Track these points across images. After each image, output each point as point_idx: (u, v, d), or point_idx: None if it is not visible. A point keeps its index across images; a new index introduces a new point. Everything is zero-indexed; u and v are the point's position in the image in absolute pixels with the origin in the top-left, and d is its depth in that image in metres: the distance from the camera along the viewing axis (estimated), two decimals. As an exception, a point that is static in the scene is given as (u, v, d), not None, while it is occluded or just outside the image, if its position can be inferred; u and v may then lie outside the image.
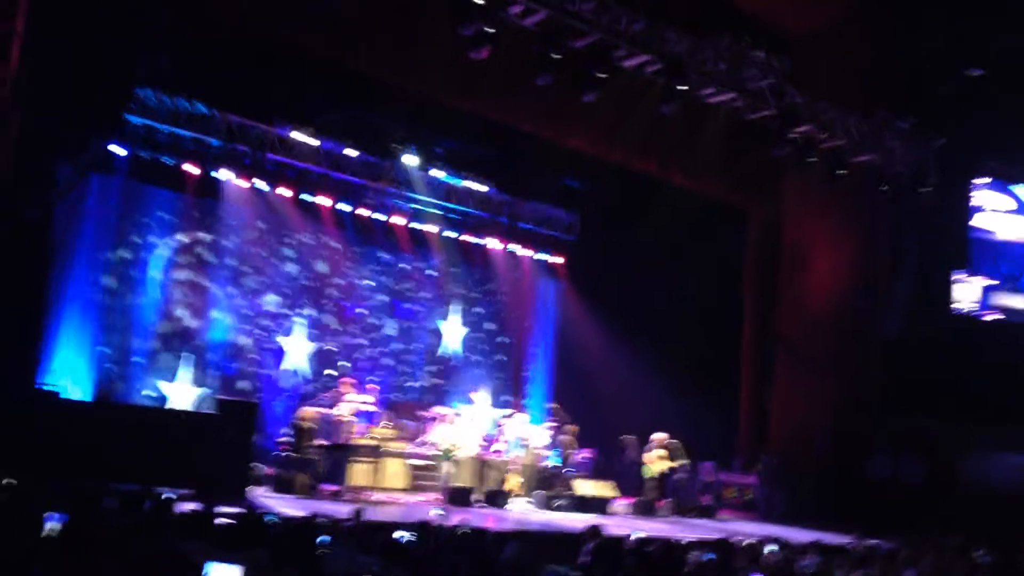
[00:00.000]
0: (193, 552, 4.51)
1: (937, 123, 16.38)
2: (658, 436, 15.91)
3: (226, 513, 7.81)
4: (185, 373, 15.65)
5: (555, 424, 16.47)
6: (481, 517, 12.58)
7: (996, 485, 16.41)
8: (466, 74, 13.56)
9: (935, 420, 17.07)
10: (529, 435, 15.92)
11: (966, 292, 18.91)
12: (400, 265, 18.80)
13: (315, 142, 16.41)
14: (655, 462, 15.83)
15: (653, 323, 18.37)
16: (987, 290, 18.97)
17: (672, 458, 15.85)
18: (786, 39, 16.20)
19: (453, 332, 19.32)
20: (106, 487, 8.69)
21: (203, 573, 4.36)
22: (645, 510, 15.38)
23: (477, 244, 19.20)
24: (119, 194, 15.34)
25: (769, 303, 18.79)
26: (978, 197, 19.10)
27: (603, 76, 12.96)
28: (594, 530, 8.63)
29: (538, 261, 19.96)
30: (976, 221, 19.02)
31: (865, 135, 15.66)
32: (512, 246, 19.55)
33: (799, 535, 11.29)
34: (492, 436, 16.30)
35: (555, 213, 19.72)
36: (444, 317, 19.26)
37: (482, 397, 18.16)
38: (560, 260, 20.07)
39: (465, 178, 18.12)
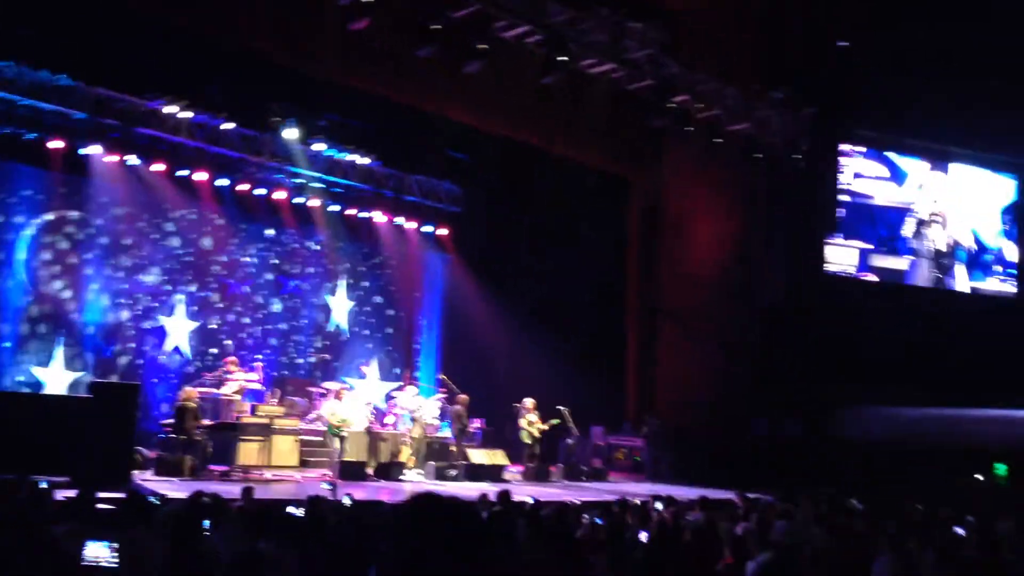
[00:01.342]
0: (67, 535, 4.36)
1: (811, 92, 16.96)
2: (527, 401, 16.08)
3: (108, 499, 7.57)
4: (59, 357, 15.02)
5: (445, 395, 16.51)
6: (375, 490, 12.55)
7: (870, 438, 17.29)
8: (347, 47, 13.34)
9: (812, 380, 17.83)
10: (420, 407, 15.91)
11: (843, 256, 19.76)
12: (284, 240, 18.43)
13: (189, 115, 15.84)
14: (528, 426, 15.99)
15: (540, 292, 18.58)
16: (864, 253, 19.87)
17: (544, 420, 16.04)
18: (664, 11, 16.48)
19: (340, 307, 19.10)
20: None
21: (82, 554, 4.22)
22: (538, 476, 15.61)
23: (362, 218, 18.96)
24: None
25: (652, 271, 19.23)
26: (855, 164, 19.94)
27: (484, 47, 12.93)
28: (503, 495, 8.73)
29: (424, 234, 19.87)
30: (855, 187, 19.86)
31: (740, 105, 16.11)
32: (398, 219, 19.39)
33: (685, 492, 11.66)
34: (383, 410, 16.23)
35: (440, 185, 19.63)
36: (331, 292, 19.01)
37: (372, 371, 18.05)
38: (446, 232, 20.02)
39: (348, 151, 17.83)
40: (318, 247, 18.84)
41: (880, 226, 20.18)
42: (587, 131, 16.71)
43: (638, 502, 9.48)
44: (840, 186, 19.78)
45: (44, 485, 7.73)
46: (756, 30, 17.63)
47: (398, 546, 2.16)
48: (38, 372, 14.84)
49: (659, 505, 9.32)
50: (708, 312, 18.35)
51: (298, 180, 17.74)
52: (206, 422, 13.67)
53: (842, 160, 19.87)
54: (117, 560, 4.31)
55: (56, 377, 14.91)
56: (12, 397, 13.46)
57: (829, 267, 19.60)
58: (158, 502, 7.22)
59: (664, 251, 19.14)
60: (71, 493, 7.63)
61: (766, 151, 16.58)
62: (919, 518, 8.85)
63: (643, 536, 7.11)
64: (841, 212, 19.75)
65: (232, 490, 10.25)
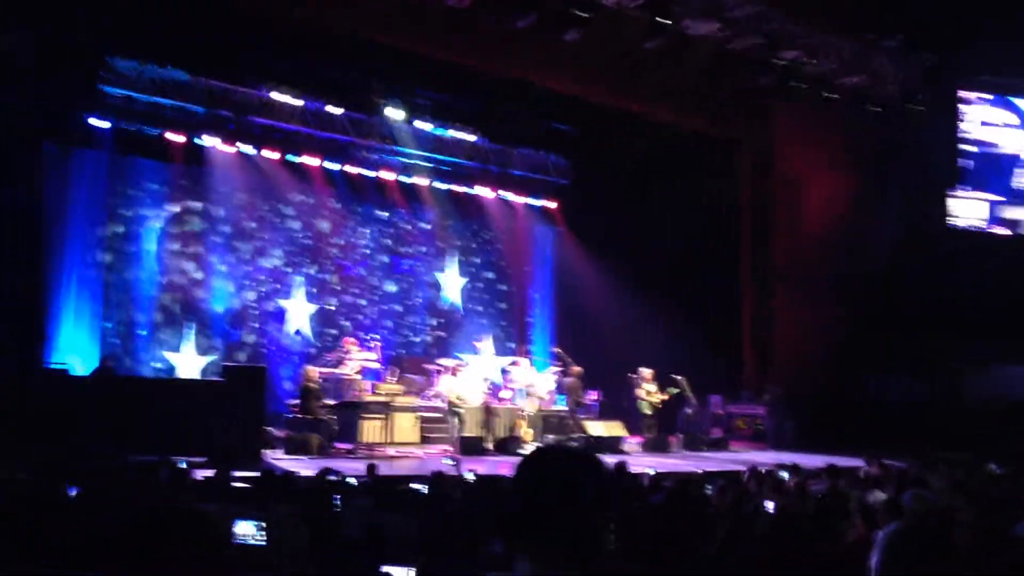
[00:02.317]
0: (215, 511, 4.54)
1: (928, 40, 16.19)
2: (644, 371, 15.94)
3: (242, 477, 7.87)
4: (190, 342, 15.68)
5: (560, 368, 16.54)
6: (494, 465, 12.68)
7: (1002, 398, 16.54)
8: (446, 23, 13.37)
9: (939, 338, 17.13)
10: (535, 381, 15.99)
11: (971, 208, 18.85)
12: (395, 221, 18.73)
13: (298, 102, 16.23)
14: (646, 397, 15.87)
15: (651, 261, 18.35)
16: (994, 205, 18.91)
17: (662, 390, 15.88)
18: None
19: (452, 283, 19.32)
20: (121, 459, 8.75)
21: (232, 531, 4.40)
22: (657, 447, 15.51)
23: (469, 194, 19.10)
24: (106, 168, 15.22)
25: (765, 233, 18.75)
26: (980, 112, 18.96)
27: (584, 15, 12.77)
28: (620, 467, 8.73)
29: (532, 207, 19.88)
30: (981, 135, 18.88)
31: (853, 57, 15.50)
32: (504, 194, 19.45)
33: (811, 460, 11.39)
34: (498, 384, 16.37)
35: (546, 158, 19.58)
36: (442, 269, 19.24)
37: (487, 346, 18.21)
38: (554, 205, 19.99)
39: (452, 128, 17.96)
40: (428, 226, 19.07)
41: (1008, 176, 19.14)
42: (692, 94, 16.35)
43: (763, 470, 9.31)
44: (964, 135, 18.83)
45: (183, 465, 8.09)
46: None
47: (521, 500, 2.03)
48: (171, 357, 15.53)
49: (784, 474, 9.13)
50: (825, 272, 17.82)
51: (405, 160, 17.97)
52: (329, 401, 14.06)
53: (965, 108, 18.91)
54: (265, 538, 4.47)
55: (188, 361, 15.57)
56: (149, 382, 14.13)
57: (955, 221, 18.73)
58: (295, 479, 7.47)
59: (777, 212, 18.63)
60: (208, 473, 7.96)
61: (882, 103, 15.93)
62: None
63: (769, 506, 6.98)
64: (968, 163, 18.81)
65: (358, 467, 10.54)
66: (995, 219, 18.89)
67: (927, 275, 17.74)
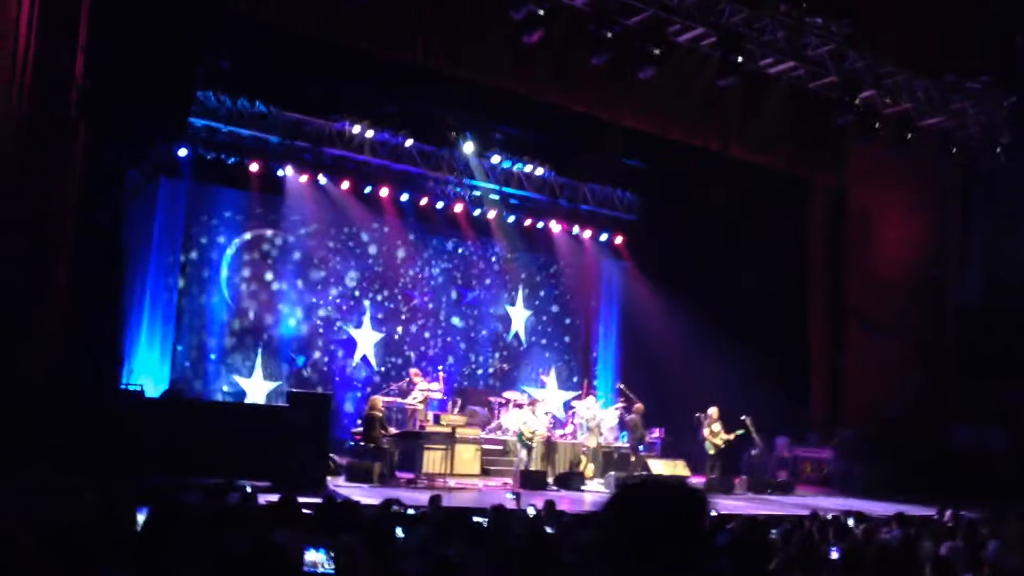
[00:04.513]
0: (286, 542, 4.60)
1: (1011, 81, 15.84)
2: (712, 410, 15.72)
3: (307, 504, 7.95)
4: (259, 368, 15.96)
5: (623, 404, 16.41)
6: (556, 500, 12.60)
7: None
8: (520, 58, 13.50)
9: (1015, 385, 16.57)
10: (598, 416, 15.89)
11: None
12: (463, 252, 18.89)
13: (372, 134, 16.55)
14: (712, 436, 15.64)
15: (719, 298, 18.13)
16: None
17: (728, 431, 15.63)
18: (848, 3, 15.78)
19: (518, 316, 19.37)
20: (190, 482, 8.91)
21: (303, 559, 4.45)
22: (721, 487, 15.26)
23: (538, 227, 19.18)
24: (185, 196, 15.69)
25: (837, 274, 18.40)
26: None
27: (658, 52, 12.80)
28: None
29: (600, 242, 19.87)
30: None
31: (933, 98, 15.24)
32: (574, 228, 19.49)
33: (880, 508, 11.10)
34: (562, 419, 16.30)
35: (615, 193, 19.59)
36: (510, 302, 19.31)
37: (551, 380, 18.19)
38: (622, 240, 19.96)
39: (523, 162, 18.09)
40: (495, 258, 19.18)
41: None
42: (766, 132, 16.18)
43: (828, 517, 9.10)
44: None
45: (248, 489, 8.20)
46: (948, 17, 16.58)
47: (607, 537, 1.97)
48: (240, 382, 15.83)
49: (851, 521, 8.91)
50: (900, 314, 17.38)
51: (475, 192, 18.15)
52: (393, 431, 14.16)
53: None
54: (333, 568, 4.51)
55: (256, 386, 15.86)
56: (217, 405, 14.40)
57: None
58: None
59: (850, 252, 18.28)
60: (272, 497, 8.05)
61: (962, 145, 15.60)
62: None
63: (834, 553, 6.81)
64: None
65: (418, 497, 10.57)
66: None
67: (1008, 320, 17.20)
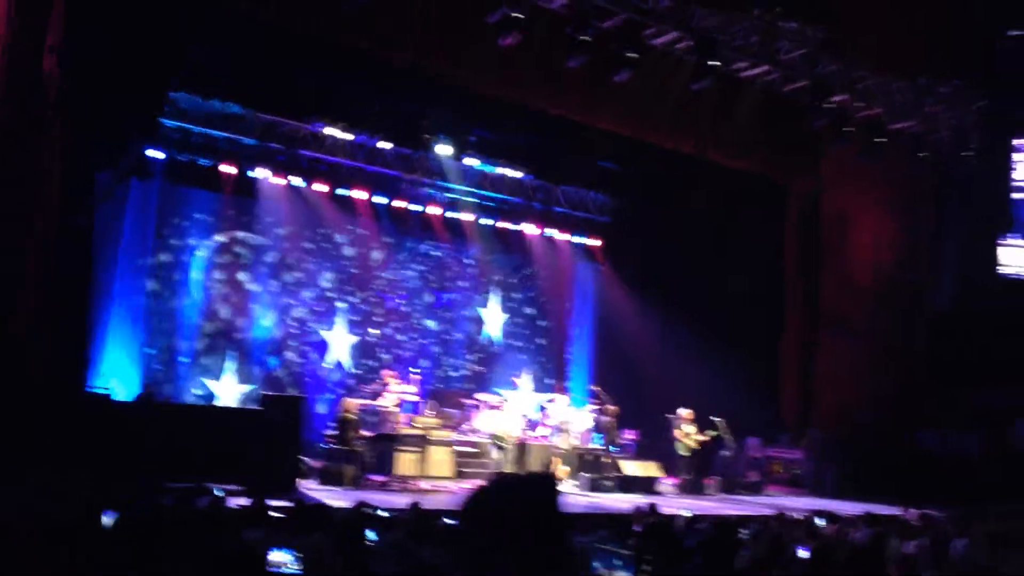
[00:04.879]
0: (255, 541, 4.58)
1: (981, 86, 16.02)
2: (684, 412, 15.80)
3: (277, 507, 7.91)
4: (231, 371, 15.86)
5: (597, 406, 16.45)
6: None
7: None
8: (496, 61, 13.51)
9: (987, 388, 16.77)
10: (572, 418, 15.91)
11: (1018, 257, 18.52)
12: (438, 255, 18.87)
13: (348, 136, 16.50)
14: (684, 438, 15.71)
15: (693, 301, 18.25)
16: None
17: (701, 432, 15.71)
18: (819, 6, 15.92)
19: (493, 319, 19.37)
20: (160, 486, 8.83)
21: (266, 560, 4.44)
22: (692, 489, 15.33)
23: (514, 230, 19.20)
24: (157, 197, 15.57)
25: (811, 277, 18.55)
26: (1027, 158, 18.66)
27: (634, 56, 12.86)
28: (652, 508, 8.65)
29: (575, 244, 19.93)
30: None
31: (904, 102, 15.39)
32: (549, 230, 19.53)
33: (849, 508, 11.19)
34: (535, 421, 16.32)
35: (590, 196, 19.65)
36: (484, 304, 19.32)
37: (525, 382, 18.19)
38: (597, 242, 20.02)
39: (499, 165, 18.11)
40: (471, 260, 19.19)
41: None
42: (740, 136, 16.30)
43: (798, 517, 9.17)
44: (1014, 183, 18.53)
45: (219, 493, 8.15)
46: (920, 22, 16.76)
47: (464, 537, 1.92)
48: (211, 385, 15.73)
49: (820, 521, 8.98)
50: (872, 318, 17.53)
51: (451, 195, 18.14)
52: (365, 433, 14.11)
53: (1016, 156, 18.62)
54: (299, 567, 4.50)
55: (227, 389, 15.76)
56: (188, 408, 14.30)
57: (1003, 269, 18.40)
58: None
59: (824, 255, 18.43)
60: (243, 501, 8.01)
61: (933, 149, 15.77)
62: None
63: (803, 553, 6.86)
64: (1017, 211, 18.49)
65: (391, 499, 10.55)
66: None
67: (977, 324, 17.40)
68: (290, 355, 16.85)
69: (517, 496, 1.95)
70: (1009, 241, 18.50)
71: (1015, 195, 18.53)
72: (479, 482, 2.04)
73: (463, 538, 1.94)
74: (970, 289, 17.90)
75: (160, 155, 15.10)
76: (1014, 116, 18.10)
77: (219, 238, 16.37)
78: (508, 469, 14.37)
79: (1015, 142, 18.62)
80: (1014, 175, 18.57)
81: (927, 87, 15.48)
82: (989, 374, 16.71)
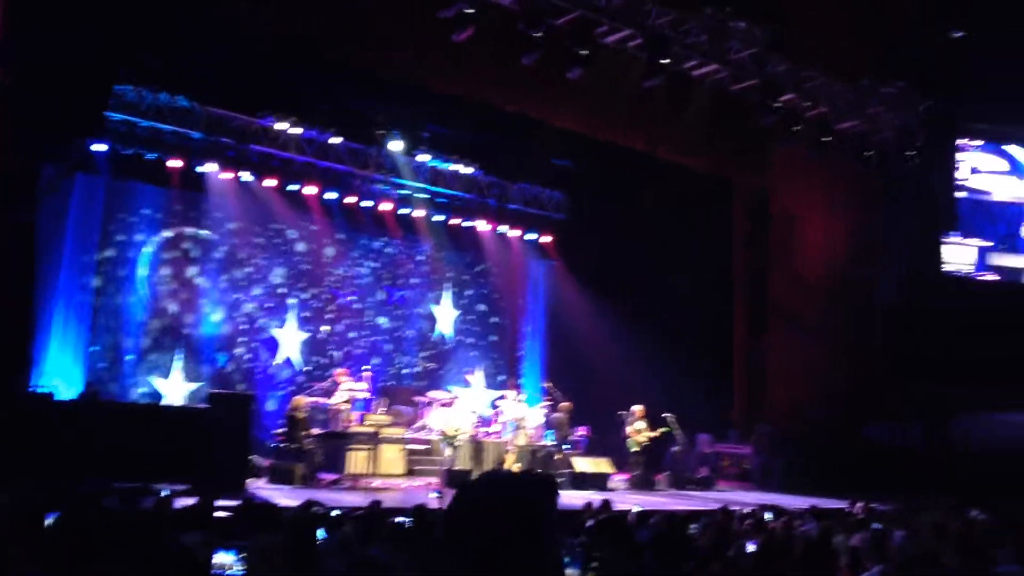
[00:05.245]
0: (194, 544, 4.51)
1: (924, 87, 16.34)
2: (636, 408, 15.92)
3: (225, 506, 7.81)
4: (178, 369, 15.62)
5: (550, 403, 16.49)
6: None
7: (993, 446, 16.49)
8: (450, 57, 13.47)
9: (932, 383, 17.12)
10: (524, 415, 15.94)
11: (961, 254, 18.94)
12: (390, 251, 18.76)
13: (298, 131, 16.31)
14: (635, 434, 15.83)
15: (644, 297, 18.39)
16: (983, 251, 18.99)
17: (652, 428, 15.84)
18: (769, 7, 16.11)
19: (445, 315, 19.32)
20: (105, 486, 8.68)
21: (211, 562, 4.37)
22: (643, 484, 15.44)
23: (466, 227, 19.15)
24: (103, 193, 15.27)
25: (759, 273, 18.79)
26: (972, 159, 19.10)
27: (586, 53, 12.91)
28: (605, 504, 8.68)
29: (528, 241, 19.93)
30: (972, 183, 19.02)
31: (850, 102, 15.64)
32: (501, 227, 19.51)
33: (796, 502, 11.36)
34: (488, 418, 16.31)
35: (543, 193, 19.67)
36: (436, 301, 19.25)
37: (477, 379, 18.18)
38: (550, 239, 20.05)
39: (452, 161, 18.05)
40: (423, 257, 19.11)
41: (999, 223, 19.24)
42: (691, 133, 16.44)
43: (746, 511, 9.28)
44: (957, 182, 18.94)
45: (165, 493, 8.03)
46: (866, 24, 17.05)
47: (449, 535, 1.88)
48: (158, 383, 15.47)
49: (768, 515, 9.10)
50: (819, 314, 17.82)
51: (403, 191, 18.03)
52: (316, 431, 14.00)
53: (959, 155, 19.04)
54: (244, 568, 4.44)
55: (175, 388, 15.52)
56: (134, 408, 14.06)
57: (947, 267, 18.80)
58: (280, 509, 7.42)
59: (772, 253, 18.68)
60: (190, 501, 7.90)
61: (878, 148, 16.05)
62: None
63: (751, 547, 6.94)
64: (960, 209, 18.90)
65: (341, 498, 10.48)
66: (984, 265, 18.95)
67: (921, 320, 17.76)
68: (240, 352, 16.64)
69: (517, 495, 1.92)
70: (953, 239, 18.91)
71: (958, 194, 18.93)
72: (472, 479, 2.01)
73: (451, 535, 1.89)
74: (916, 286, 18.26)
75: (104, 147, 14.77)
76: (957, 117, 18.49)
77: (166, 234, 16.11)
78: (460, 466, 14.36)
79: (959, 142, 19.03)
80: (957, 174, 18.98)
81: (870, 88, 15.75)
82: (935, 369, 17.07)
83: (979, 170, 19.09)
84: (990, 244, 19.03)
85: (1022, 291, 19.01)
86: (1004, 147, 19.31)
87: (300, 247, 17.56)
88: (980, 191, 19.11)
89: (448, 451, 14.34)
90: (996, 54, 17.21)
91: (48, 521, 5.47)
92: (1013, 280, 19.07)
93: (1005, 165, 19.24)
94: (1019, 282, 19.09)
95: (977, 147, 19.15)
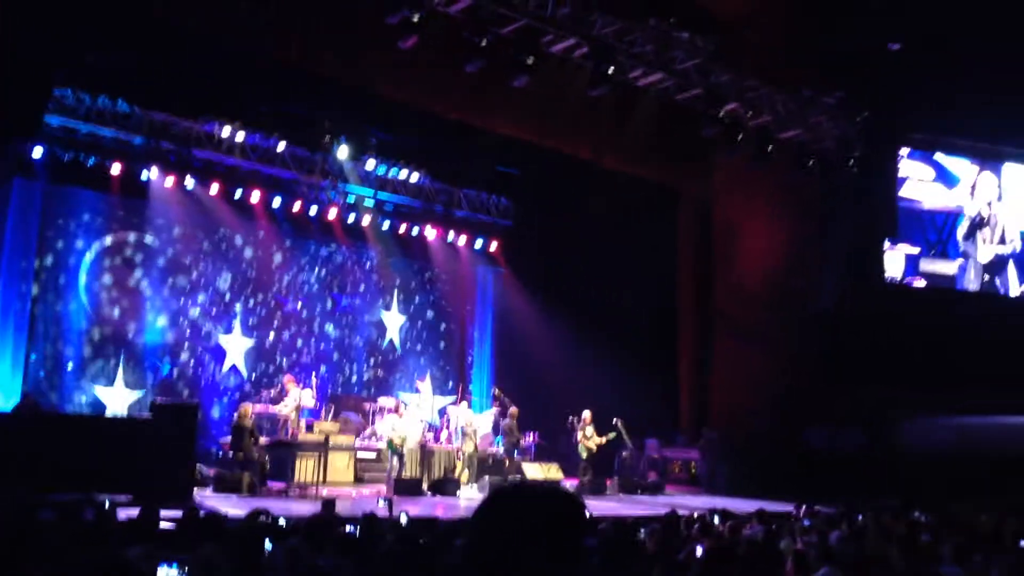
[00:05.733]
0: (140, 558, 4.42)
1: (863, 97, 16.69)
2: (585, 413, 16.01)
3: (169, 517, 7.68)
4: (121, 377, 15.33)
5: (498, 409, 16.51)
6: (431, 506, 12.58)
7: (932, 448, 16.88)
8: (396, 63, 13.45)
9: (872, 388, 17.46)
10: (473, 421, 15.93)
11: (891, 261, 19.37)
12: (337, 258, 18.63)
13: (242, 136, 16.12)
14: (585, 440, 15.91)
15: (592, 303, 18.51)
16: (913, 258, 19.42)
17: (601, 434, 15.93)
18: (712, 19, 16.35)
19: (393, 323, 19.23)
20: (43, 498, 8.47)
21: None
22: (593, 489, 15.52)
23: (413, 233, 19.09)
24: (41, 198, 14.93)
25: (704, 281, 19.04)
26: (903, 168, 19.52)
27: (532, 61, 12.97)
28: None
29: (475, 248, 19.93)
30: (903, 191, 19.44)
31: (791, 111, 15.93)
32: (449, 234, 19.48)
33: (743, 505, 11.51)
34: (437, 425, 16.27)
35: (490, 199, 19.71)
36: (384, 308, 19.15)
37: (426, 386, 18.13)
38: (497, 246, 20.08)
39: (399, 167, 17.99)
40: (370, 264, 19.01)
41: (929, 230, 19.69)
42: (636, 142, 16.60)
43: (693, 515, 9.38)
44: (898, 193, 19.35)
45: (106, 504, 7.86)
46: (806, 36, 17.39)
47: (475, 542, 1.86)
48: (100, 392, 15.16)
49: (715, 518, 9.20)
50: (762, 321, 18.10)
51: (350, 198, 17.92)
52: (263, 439, 13.83)
53: (900, 165, 19.45)
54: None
55: (118, 397, 15.21)
56: (75, 419, 13.74)
57: (889, 274, 19.21)
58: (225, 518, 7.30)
59: (717, 261, 18.95)
60: (133, 512, 7.75)
61: (819, 157, 16.37)
62: (985, 531, 8.62)
63: (699, 550, 7.01)
64: (900, 218, 19.32)
65: (290, 507, 10.37)
66: (913, 271, 19.40)
67: (863, 326, 18.10)
68: (184, 360, 16.37)
69: (544, 507, 1.90)
70: (891, 247, 19.31)
71: (900, 204, 19.34)
72: (496, 488, 1.99)
73: (474, 542, 1.87)
74: (857, 293, 18.61)
75: (42, 151, 14.44)
76: (898, 129, 18.89)
77: (108, 240, 15.80)
78: (407, 474, 14.30)
79: (901, 151, 19.45)
80: (902, 186, 19.39)
81: (811, 99, 16.06)
82: (874, 374, 17.42)
83: (908, 178, 19.52)
84: (916, 251, 19.46)
85: (956, 297, 19.49)
86: (932, 155, 19.77)
87: (247, 253, 17.36)
88: (911, 199, 19.54)
89: (394, 459, 14.26)
90: (930, 64, 17.65)
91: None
92: (944, 286, 19.54)
93: (932, 173, 19.69)
94: (948, 288, 19.56)
95: (907, 155, 19.58)
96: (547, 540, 1.83)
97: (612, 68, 13.50)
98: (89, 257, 15.55)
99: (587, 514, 1.93)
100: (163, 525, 7.24)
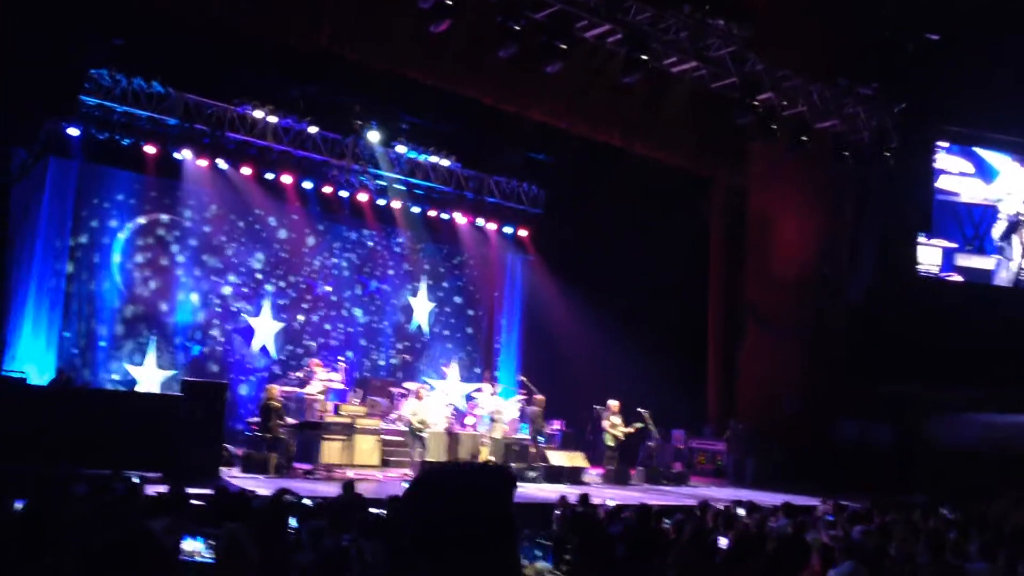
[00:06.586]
0: (164, 530, 4.47)
1: (899, 88, 16.46)
2: (611, 403, 15.95)
3: (198, 494, 7.77)
4: (152, 356, 15.50)
5: (524, 396, 16.50)
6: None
7: (962, 445, 16.68)
8: (428, 48, 13.43)
9: (902, 383, 17.28)
10: (499, 408, 15.94)
11: (928, 255, 19.12)
12: (367, 242, 18.68)
13: (275, 120, 16.19)
14: (611, 429, 15.86)
15: (620, 292, 18.41)
16: (949, 252, 19.17)
17: (627, 423, 15.88)
18: (747, 7, 16.17)
19: (421, 307, 19.27)
20: (75, 472, 8.60)
21: (179, 549, 4.34)
22: (618, 479, 15.49)
23: (443, 219, 19.10)
24: (76, 177, 15.10)
25: (735, 270, 18.87)
26: (941, 161, 19.25)
27: (565, 47, 12.90)
28: (583, 498, 8.70)
29: (505, 234, 19.91)
30: (940, 184, 19.18)
31: (827, 102, 15.73)
32: (478, 220, 19.47)
33: (769, 498, 11.44)
34: (463, 410, 16.30)
35: (521, 186, 19.66)
36: (412, 293, 19.19)
37: (453, 371, 18.16)
38: (526, 233, 20.04)
39: (430, 153, 17.99)
40: (399, 249, 19.05)
41: (966, 224, 19.42)
42: (668, 130, 16.48)
43: (720, 507, 9.34)
44: (935, 186, 19.09)
45: (136, 480, 7.97)
46: (843, 25, 17.15)
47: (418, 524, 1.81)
48: (132, 370, 15.34)
49: (741, 511, 9.16)
50: (793, 312, 17.93)
51: (380, 182, 17.95)
52: (290, 421, 13.93)
53: (936, 158, 19.19)
54: (213, 555, 4.41)
55: (149, 375, 15.38)
56: (107, 394, 13.93)
57: (921, 268, 18.98)
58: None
59: (748, 250, 18.76)
60: (162, 488, 7.85)
61: (854, 148, 16.16)
62: (1013, 528, 8.51)
63: (724, 542, 6.99)
64: (935, 212, 19.08)
65: (315, 488, 10.45)
66: (949, 265, 19.14)
67: (895, 320, 17.91)
68: (214, 340, 16.51)
69: (472, 486, 1.87)
70: (921, 240, 19.08)
71: (937, 197, 19.09)
72: (424, 468, 1.97)
73: (402, 524, 1.86)
74: (887, 286, 18.40)
75: (78, 132, 14.60)
76: (935, 121, 18.63)
77: (141, 220, 15.95)
78: (432, 458, 14.34)
79: (937, 144, 19.19)
80: (939, 179, 19.12)
81: (847, 88, 15.84)
82: (905, 369, 17.23)
83: (947, 172, 19.25)
84: (954, 245, 19.20)
85: (989, 293, 19.22)
86: (973, 149, 19.48)
87: (275, 236, 17.46)
88: (948, 192, 19.27)
89: (418, 443, 14.30)
90: (970, 57, 17.36)
91: (17, 506, 5.44)
92: (980, 281, 19.27)
93: (971, 167, 19.41)
94: (984, 283, 19.29)
95: (946, 149, 19.31)
96: (476, 515, 1.80)
97: (646, 55, 13.39)
98: (123, 236, 15.71)
99: (515, 489, 1.89)
100: (192, 502, 7.32)
